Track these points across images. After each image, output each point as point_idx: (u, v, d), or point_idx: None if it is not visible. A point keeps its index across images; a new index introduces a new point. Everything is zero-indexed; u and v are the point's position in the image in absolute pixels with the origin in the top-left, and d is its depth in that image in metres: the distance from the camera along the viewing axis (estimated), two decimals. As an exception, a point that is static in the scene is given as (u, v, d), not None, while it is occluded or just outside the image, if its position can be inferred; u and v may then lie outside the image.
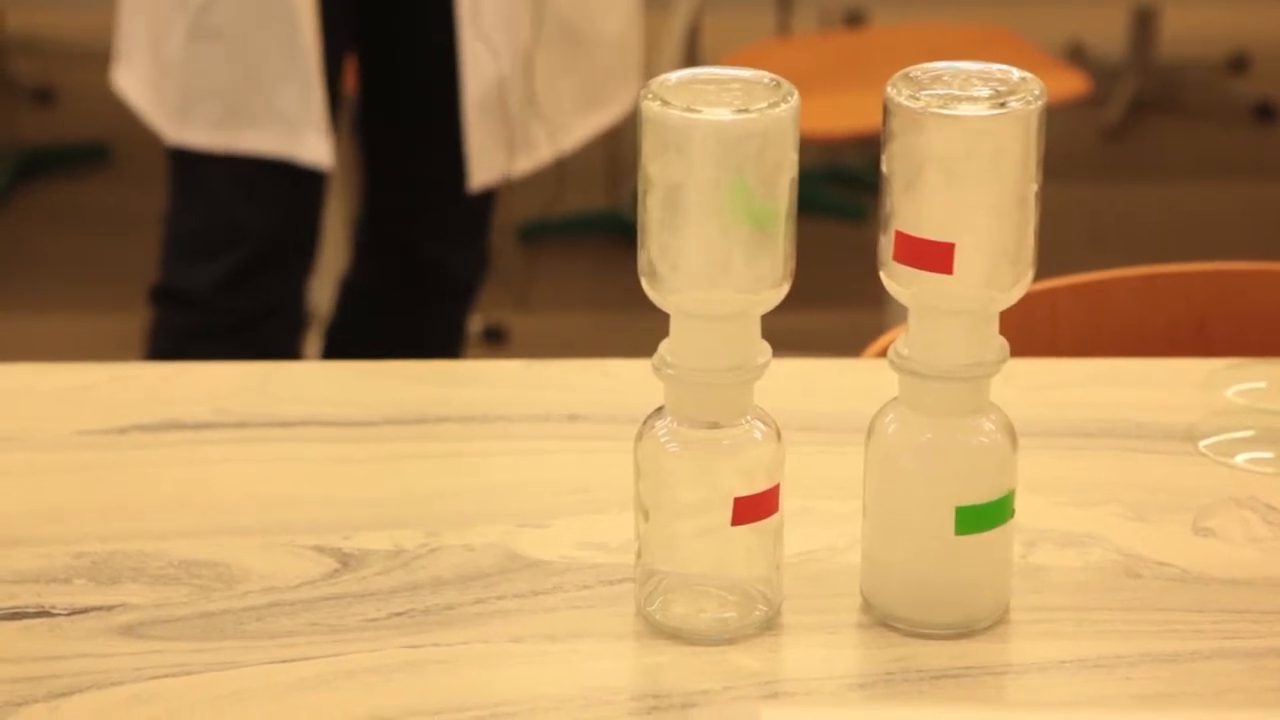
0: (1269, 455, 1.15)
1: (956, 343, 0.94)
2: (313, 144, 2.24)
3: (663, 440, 0.95)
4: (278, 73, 2.21)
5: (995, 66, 0.93)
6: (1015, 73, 0.92)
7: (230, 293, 2.32)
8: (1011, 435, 0.96)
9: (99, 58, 4.92)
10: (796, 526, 1.03)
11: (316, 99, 2.21)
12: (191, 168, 2.32)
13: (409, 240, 2.49)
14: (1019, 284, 0.93)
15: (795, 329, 1.93)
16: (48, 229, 4.03)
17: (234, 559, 1.04)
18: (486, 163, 2.33)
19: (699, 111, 0.89)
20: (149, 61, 2.29)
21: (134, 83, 2.35)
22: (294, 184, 2.30)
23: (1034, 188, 0.92)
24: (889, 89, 0.91)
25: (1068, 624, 0.99)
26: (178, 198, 2.38)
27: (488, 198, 2.46)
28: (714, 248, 0.91)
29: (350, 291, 2.60)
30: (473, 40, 2.26)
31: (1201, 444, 1.16)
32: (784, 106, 0.90)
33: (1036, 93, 0.91)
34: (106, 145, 4.32)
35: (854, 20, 4.82)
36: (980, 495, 0.95)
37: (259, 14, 2.19)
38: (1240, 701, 0.93)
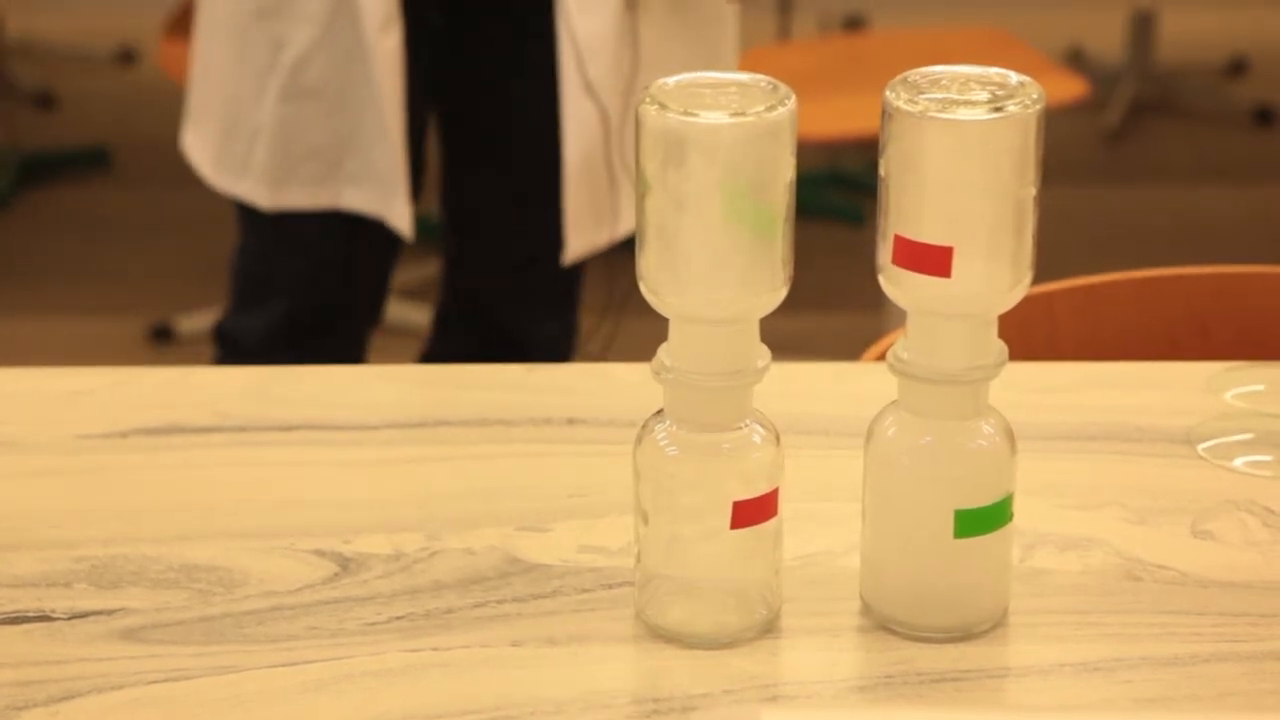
0: (1268, 458, 1.15)
1: (955, 346, 0.94)
2: (398, 210, 2.13)
3: (662, 444, 0.95)
4: (371, 129, 2.10)
5: (994, 70, 0.93)
6: (1014, 76, 0.92)
7: (280, 346, 2.25)
8: (1010, 438, 0.96)
9: (99, 62, 4.95)
10: (796, 530, 1.03)
11: (399, 161, 2.10)
12: (264, 219, 2.21)
13: (494, 315, 2.37)
14: (1018, 287, 0.93)
15: (794, 332, 1.92)
16: (48, 233, 4.03)
17: (234, 563, 1.04)
18: (583, 232, 2.14)
19: (696, 115, 0.89)
20: (228, 128, 2.17)
21: (204, 148, 2.23)
22: (363, 246, 2.21)
23: (1033, 191, 0.92)
24: (888, 93, 0.91)
25: (1067, 627, 0.99)
26: (246, 243, 2.30)
27: (577, 268, 2.32)
28: (712, 251, 0.91)
29: (430, 362, 2.45)
30: (576, 92, 2.08)
31: (1201, 447, 1.16)
32: (781, 110, 0.90)
33: (1035, 96, 0.91)
34: (107, 149, 4.33)
35: (853, 24, 4.82)
36: (979, 499, 0.95)
37: (354, 67, 2.08)
38: (1239, 704, 0.93)
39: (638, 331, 1.89)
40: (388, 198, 2.13)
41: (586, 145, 2.10)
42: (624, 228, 2.17)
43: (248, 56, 2.12)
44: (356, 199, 2.14)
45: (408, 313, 3.57)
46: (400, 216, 2.14)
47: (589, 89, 2.08)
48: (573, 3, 2.05)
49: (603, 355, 2.51)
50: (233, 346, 2.30)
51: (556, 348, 2.39)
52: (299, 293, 2.27)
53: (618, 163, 2.13)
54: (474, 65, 2.23)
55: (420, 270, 3.41)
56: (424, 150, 2.26)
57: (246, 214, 2.24)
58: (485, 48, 2.21)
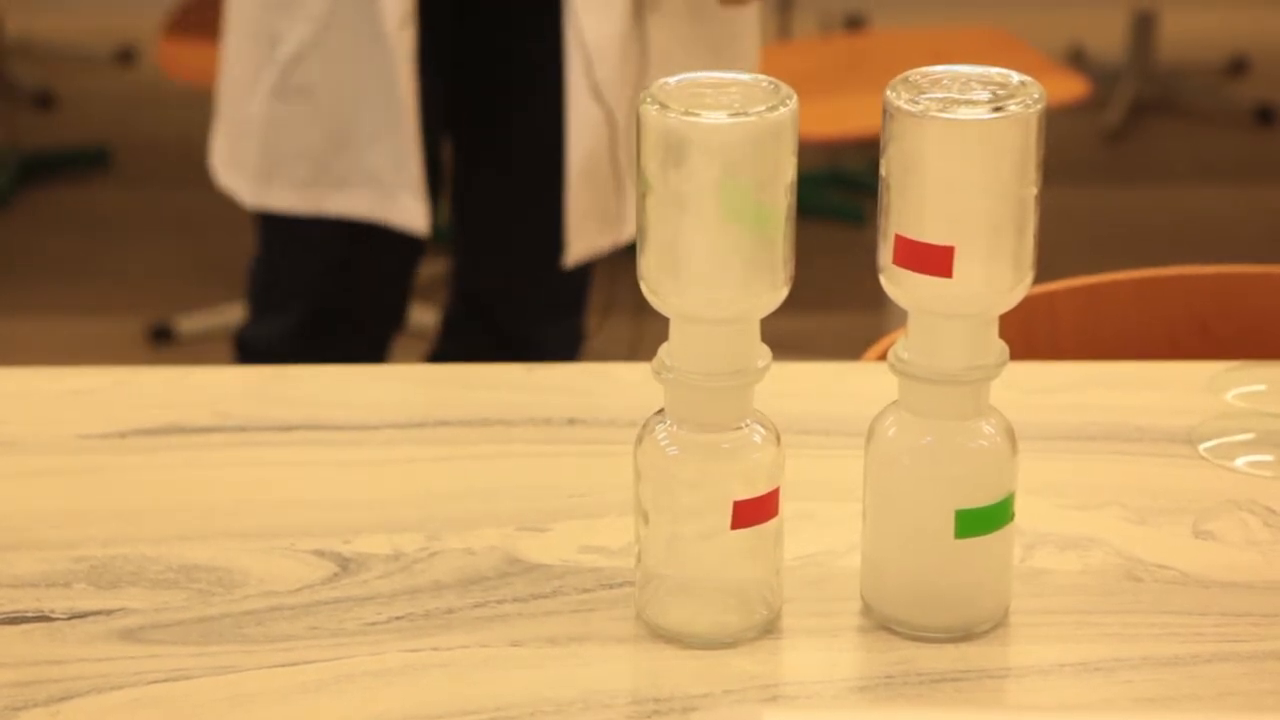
0: (1269, 458, 1.15)
1: (956, 346, 0.94)
2: (406, 206, 2.09)
3: (663, 444, 0.95)
4: (370, 131, 2.07)
5: (995, 70, 0.93)
6: (1015, 76, 0.92)
7: (293, 352, 2.21)
8: (1011, 438, 0.96)
9: (99, 61, 4.95)
10: (796, 530, 1.03)
11: (412, 157, 2.06)
12: (276, 224, 2.19)
13: (499, 318, 2.35)
14: (1019, 287, 0.93)
15: (795, 332, 1.92)
16: (48, 232, 4.03)
17: (234, 563, 1.04)
18: (585, 235, 2.13)
19: (697, 115, 0.89)
20: (230, 122, 2.17)
21: (216, 143, 2.22)
22: (377, 249, 2.18)
23: (1034, 191, 0.92)
24: (888, 92, 0.91)
25: (1068, 627, 0.99)
26: (260, 249, 2.27)
27: (585, 271, 2.30)
28: (713, 251, 0.91)
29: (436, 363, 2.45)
30: (582, 94, 2.06)
31: (1202, 447, 1.16)
32: (782, 110, 0.90)
33: (1036, 96, 0.91)
34: (106, 149, 4.33)
35: (854, 24, 4.82)
36: (980, 498, 0.95)
37: (352, 68, 2.05)
38: (1240, 704, 0.93)
39: (639, 330, 1.89)
40: (388, 199, 2.10)
41: (590, 148, 2.08)
42: (629, 231, 2.15)
43: (248, 50, 2.11)
44: (346, 204, 2.12)
45: (416, 314, 3.56)
46: (409, 215, 2.10)
47: (595, 92, 2.06)
48: (580, 4, 2.04)
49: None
50: (247, 354, 2.30)
51: (563, 351, 2.38)
52: (306, 298, 2.25)
53: (625, 166, 2.11)
54: (480, 67, 2.21)
55: (427, 271, 3.41)
56: (439, 153, 2.23)
57: (255, 218, 2.23)
58: (491, 50, 2.19)
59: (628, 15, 2.05)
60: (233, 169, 2.17)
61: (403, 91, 2.04)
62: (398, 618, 0.99)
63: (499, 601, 1.01)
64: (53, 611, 1.00)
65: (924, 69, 0.93)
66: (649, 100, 0.90)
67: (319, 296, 2.25)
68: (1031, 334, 1.40)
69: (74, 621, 0.99)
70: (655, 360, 0.95)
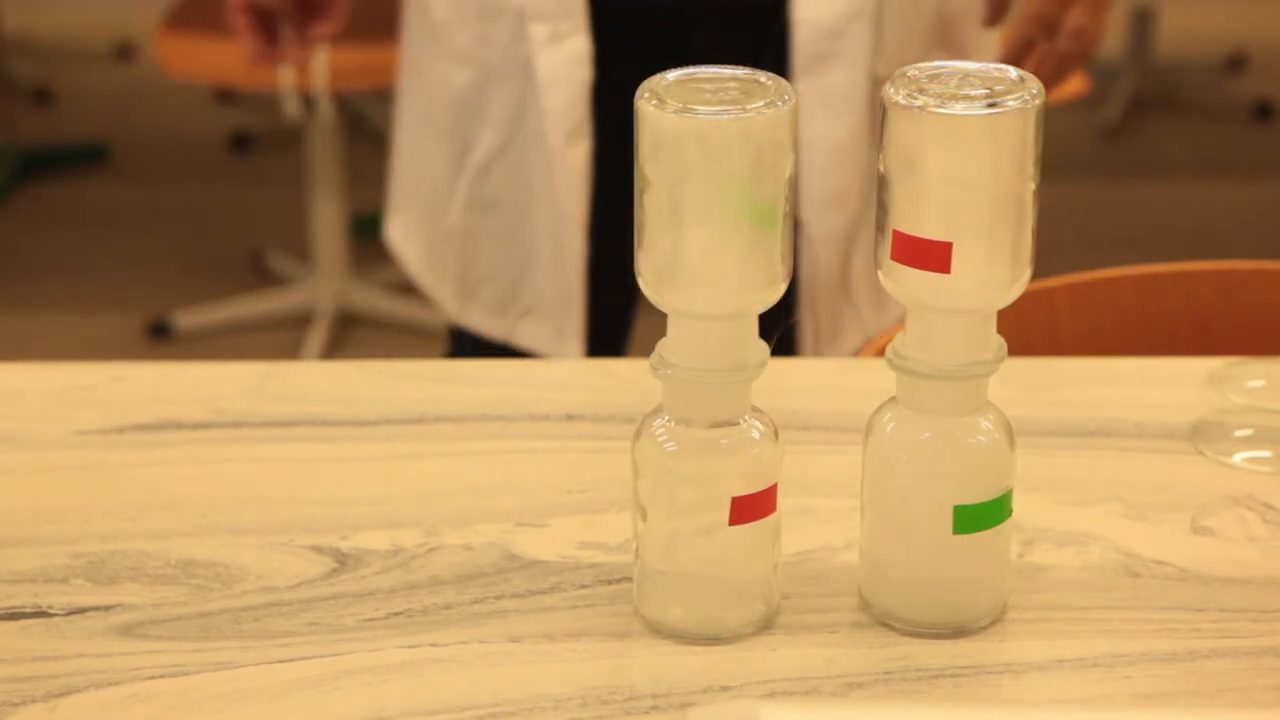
0: (1268, 454, 1.15)
1: (954, 342, 0.94)
2: (571, 351, 1.79)
3: (661, 440, 0.95)
4: (545, 257, 1.79)
5: (993, 65, 0.93)
6: (1013, 72, 0.92)
7: None
8: (1009, 434, 0.96)
9: (98, 58, 4.95)
10: (794, 526, 1.03)
11: (576, 296, 1.77)
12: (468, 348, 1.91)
13: None
14: (1017, 283, 0.93)
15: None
16: (47, 228, 4.04)
17: (232, 559, 1.04)
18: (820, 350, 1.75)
19: (695, 111, 0.89)
20: (427, 225, 1.90)
21: (410, 243, 1.95)
22: None
23: (1032, 187, 0.92)
24: (887, 88, 0.91)
25: (1066, 623, 0.99)
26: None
27: None
28: (711, 247, 0.91)
29: None
30: (817, 203, 1.71)
31: (1200, 443, 1.16)
32: (781, 106, 0.90)
33: (1034, 92, 0.91)
34: (105, 145, 4.33)
35: (853, 19, 4.82)
36: (978, 494, 0.95)
37: (532, 185, 1.78)
38: (1238, 700, 0.93)
39: (637, 326, 1.89)
40: (559, 337, 1.82)
41: (829, 257, 1.77)
42: (847, 348, 1.80)
43: (442, 154, 1.86)
44: (530, 335, 1.83)
45: (418, 311, 3.57)
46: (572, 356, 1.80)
47: (823, 202, 1.74)
48: (806, 113, 1.67)
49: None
50: None
51: None
52: None
53: (857, 276, 1.79)
54: None
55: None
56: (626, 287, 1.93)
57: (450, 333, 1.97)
58: None
59: (863, 117, 1.73)
60: (440, 279, 1.92)
61: (570, 219, 1.75)
62: (396, 614, 0.99)
63: (497, 597, 1.01)
64: (50, 607, 1.00)
65: (922, 64, 0.93)
66: (647, 95, 0.90)
67: None
68: (1030, 330, 1.40)
69: (72, 617, 0.99)
70: (653, 356, 0.95)
